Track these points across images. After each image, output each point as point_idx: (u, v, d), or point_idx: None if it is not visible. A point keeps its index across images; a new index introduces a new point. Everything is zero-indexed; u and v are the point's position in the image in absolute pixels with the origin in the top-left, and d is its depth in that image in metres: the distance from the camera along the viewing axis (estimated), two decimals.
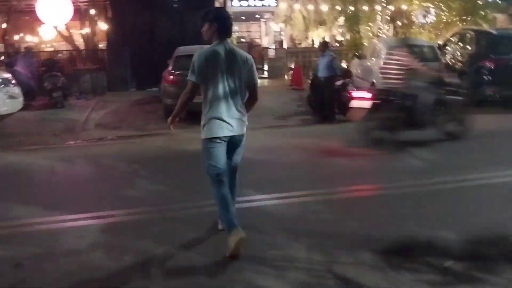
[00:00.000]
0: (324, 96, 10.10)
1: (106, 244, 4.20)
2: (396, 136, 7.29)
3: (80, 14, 17.20)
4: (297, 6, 20.47)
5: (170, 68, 10.44)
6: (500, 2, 17.39)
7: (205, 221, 4.50)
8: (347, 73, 10.98)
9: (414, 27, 17.40)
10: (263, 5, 21.50)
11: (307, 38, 21.06)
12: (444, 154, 6.92)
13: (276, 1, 21.07)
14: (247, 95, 4.10)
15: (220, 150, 3.97)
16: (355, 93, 8.12)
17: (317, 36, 19.99)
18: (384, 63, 7.95)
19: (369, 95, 7.66)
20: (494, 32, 11.52)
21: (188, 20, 15.11)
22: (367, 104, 7.53)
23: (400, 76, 7.41)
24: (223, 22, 3.98)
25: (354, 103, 7.86)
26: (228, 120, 3.93)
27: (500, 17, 17.52)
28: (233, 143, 4.05)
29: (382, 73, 7.94)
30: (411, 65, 7.39)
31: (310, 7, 20.10)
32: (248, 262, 3.76)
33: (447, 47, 12.19)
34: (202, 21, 4.00)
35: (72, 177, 6.73)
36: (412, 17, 17.50)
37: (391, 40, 14.47)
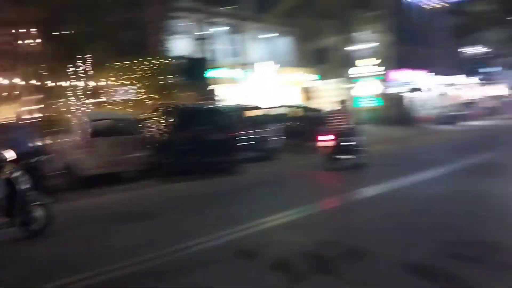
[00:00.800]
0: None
1: None
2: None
3: None
4: None
5: None
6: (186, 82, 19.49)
7: None
8: (40, 150, 9.65)
9: (113, 103, 17.83)
10: None
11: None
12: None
13: None
14: None
15: None
16: (320, 137, 11.25)
17: (8, 111, 18.03)
18: (330, 118, 11.58)
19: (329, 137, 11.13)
20: (181, 106, 12.88)
21: None
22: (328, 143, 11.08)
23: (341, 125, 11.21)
24: None
25: (320, 144, 11.25)
26: None
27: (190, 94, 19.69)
28: None
29: (330, 123, 11.41)
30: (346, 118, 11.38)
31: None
32: None
33: (149, 120, 12.72)
34: None
35: None
36: (110, 93, 17.96)
37: (92, 114, 14.49)
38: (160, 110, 12.66)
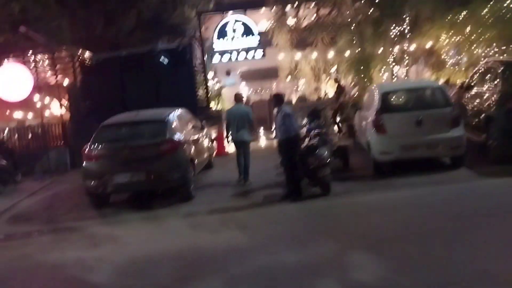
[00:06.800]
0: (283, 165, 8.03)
1: None
2: None
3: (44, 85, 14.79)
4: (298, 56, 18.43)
5: (91, 141, 8.48)
6: None
7: None
8: (321, 134, 8.45)
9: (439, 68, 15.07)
10: (247, 58, 19.61)
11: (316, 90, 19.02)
12: None
13: (263, 53, 19.14)
14: None
15: None
16: None
17: (329, 87, 17.82)
18: None
19: None
20: None
21: (163, 82, 13.87)
22: None
23: None
24: None
25: None
26: None
27: None
28: None
29: None
30: None
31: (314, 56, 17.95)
32: None
33: (472, 87, 9.71)
34: None
35: None
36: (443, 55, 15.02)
37: (384, 84, 12.79)
38: (487, 71, 9.22)
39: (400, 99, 9.04)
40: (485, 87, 9.12)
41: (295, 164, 7.70)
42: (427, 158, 8.60)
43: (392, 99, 8.92)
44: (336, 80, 15.54)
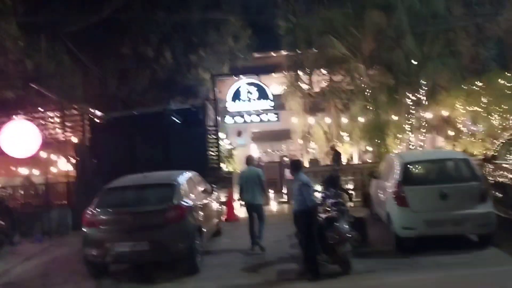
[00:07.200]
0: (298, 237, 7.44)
1: None
2: None
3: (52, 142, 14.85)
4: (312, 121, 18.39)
5: (92, 205, 7.91)
6: None
7: None
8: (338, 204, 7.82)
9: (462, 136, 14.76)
10: (261, 121, 20.27)
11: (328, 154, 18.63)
12: None
13: (276, 117, 19.10)
14: None
15: None
16: None
17: (343, 152, 17.34)
18: None
19: None
20: None
21: (174, 142, 13.60)
22: None
23: None
24: None
25: None
26: None
27: None
28: None
29: None
30: None
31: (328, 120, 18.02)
32: None
33: (496, 159, 9.36)
34: None
35: None
36: (459, 125, 14.87)
37: (406, 154, 12.17)
38: None
39: (424, 171, 8.53)
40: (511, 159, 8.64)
41: (312, 238, 7.08)
42: (453, 235, 7.87)
43: (414, 170, 8.42)
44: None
